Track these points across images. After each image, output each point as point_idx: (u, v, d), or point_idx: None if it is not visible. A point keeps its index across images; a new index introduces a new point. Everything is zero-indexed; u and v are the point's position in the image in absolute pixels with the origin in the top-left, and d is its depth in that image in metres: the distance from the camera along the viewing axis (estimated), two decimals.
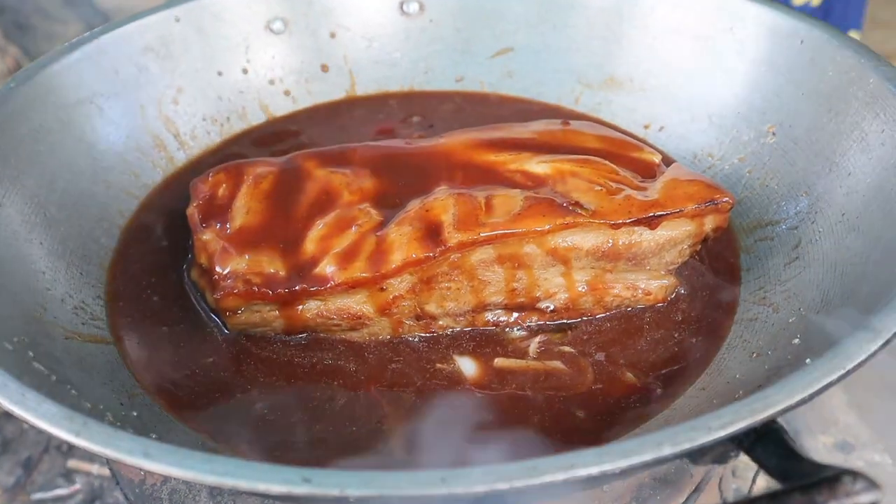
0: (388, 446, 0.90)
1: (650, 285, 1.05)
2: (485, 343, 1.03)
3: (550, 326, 1.04)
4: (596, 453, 0.66)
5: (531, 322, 1.04)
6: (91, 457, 1.53)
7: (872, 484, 0.56)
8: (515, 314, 1.04)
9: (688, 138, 1.27)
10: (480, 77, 1.42)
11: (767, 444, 0.69)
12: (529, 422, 0.93)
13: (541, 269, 1.01)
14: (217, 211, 1.06)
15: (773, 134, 1.18)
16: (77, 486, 1.52)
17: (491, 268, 1.00)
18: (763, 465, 0.68)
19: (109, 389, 0.94)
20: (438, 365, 1.00)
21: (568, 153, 1.07)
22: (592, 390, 0.96)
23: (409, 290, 1.00)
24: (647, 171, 1.06)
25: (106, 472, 1.47)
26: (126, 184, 1.22)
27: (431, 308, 1.01)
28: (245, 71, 1.37)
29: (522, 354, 1.01)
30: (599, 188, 1.01)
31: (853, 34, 1.99)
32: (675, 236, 1.01)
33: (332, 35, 1.41)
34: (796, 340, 0.91)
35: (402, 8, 1.42)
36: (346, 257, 0.98)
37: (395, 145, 1.13)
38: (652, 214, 0.99)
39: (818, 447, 1.61)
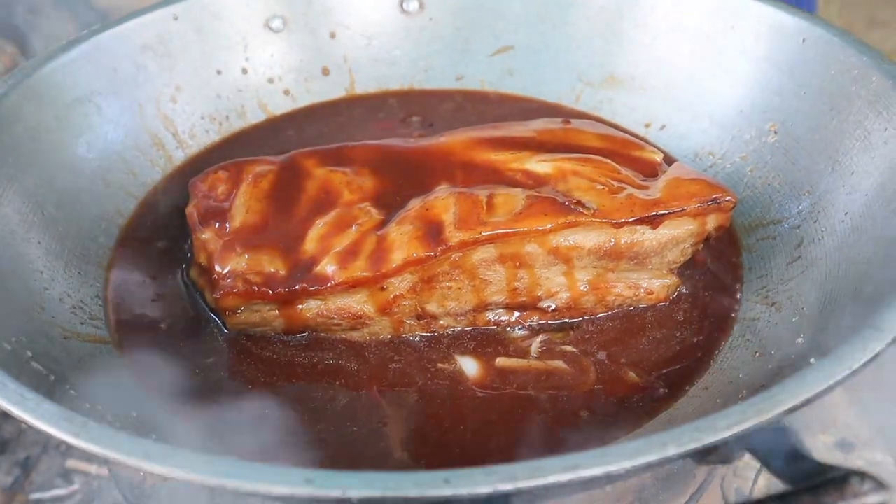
0: (389, 446, 0.90)
1: (652, 284, 1.04)
2: (486, 343, 1.02)
3: (552, 326, 1.04)
4: (601, 454, 0.66)
5: (533, 321, 1.04)
6: (89, 457, 1.52)
7: (881, 484, 0.56)
8: (517, 313, 1.04)
9: (689, 137, 1.26)
10: (480, 75, 1.41)
11: (772, 444, 0.69)
12: (531, 422, 0.93)
13: (542, 268, 1.00)
14: (216, 210, 1.05)
15: (775, 132, 1.17)
16: (75, 487, 1.51)
17: (492, 267, 1.00)
18: (768, 466, 0.67)
19: (108, 389, 0.93)
20: (440, 365, 1.00)
21: (569, 152, 1.07)
22: (594, 390, 0.96)
23: (410, 289, 0.99)
24: (649, 170, 1.06)
25: (105, 472, 1.47)
26: (125, 183, 1.21)
27: (432, 307, 1.01)
28: (244, 69, 1.36)
29: (524, 354, 1.01)
30: (601, 187, 1.01)
31: None
32: (677, 235, 1.01)
33: (332, 33, 1.41)
34: (800, 340, 0.91)
35: (401, 6, 1.42)
36: (347, 256, 0.98)
37: (395, 144, 1.12)
38: (654, 213, 0.99)
39: (818, 446, 1.60)
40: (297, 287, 0.97)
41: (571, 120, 1.15)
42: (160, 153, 1.27)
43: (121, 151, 1.23)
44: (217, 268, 0.99)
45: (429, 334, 1.03)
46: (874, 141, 1.03)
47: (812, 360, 0.76)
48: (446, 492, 0.64)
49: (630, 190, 1.01)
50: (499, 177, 1.04)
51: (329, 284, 0.97)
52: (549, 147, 1.08)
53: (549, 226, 0.97)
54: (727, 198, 1.00)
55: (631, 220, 0.98)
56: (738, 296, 1.05)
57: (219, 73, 1.34)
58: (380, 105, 1.39)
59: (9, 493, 1.41)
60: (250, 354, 1.01)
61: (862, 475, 0.56)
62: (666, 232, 1.00)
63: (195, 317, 1.05)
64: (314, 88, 1.40)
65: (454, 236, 0.97)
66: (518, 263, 1.00)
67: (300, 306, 0.99)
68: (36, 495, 1.46)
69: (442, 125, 1.31)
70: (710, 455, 0.71)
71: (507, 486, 0.64)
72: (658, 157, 1.08)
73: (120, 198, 1.20)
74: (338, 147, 1.12)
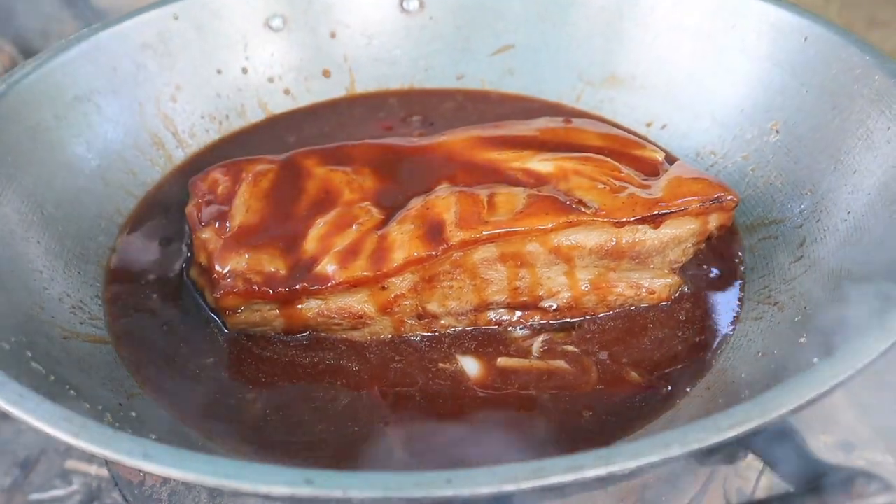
0: (391, 446, 0.90)
1: (654, 284, 1.04)
2: (487, 342, 1.02)
3: (553, 325, 1.03)
4: (604, 454, 0.65)
5: (534, 321, 1.03)
6: (89, 457, 1.52)
7: (887, 485, 0.55)
8: (518, 313, 1.03)
9: (690, 136, 1.26)
10: (481, 75, 1.41)
11: (777, 444, 0.68)
12: (533, 422, 0.93)
13: (544, 267, 1.00)
14: (216, 209, 1.05)
15: (777, 132, 1.17)
16: (75, 487, 1.51)
17: (493, 266, 0.99)
18: (772, 466, 0.67)
19: (108, 390, 0.93)
20: (441, 364, 0.99)
21: (570, 151, 1.06)
22: (596, 390, 0.96)
23: (411, 288, 0.99)
24: (651, 169, 1.06)
25: (104, 472, 1.46)
26: (124, 182, 1.21)
27: (433, 307, 1.00)
28: (244, 68, 1.36)
29: (525, 354, 1.00)
30: (603, 186, 1.01)
31: None
32: (679, 234, 1.01)
33: (332, 32, 1.40)
34: (803, 339, 0.91)
35: (402, 5, 1.41)
36: (347, 256, 0.97)
37: (396, 143, 1.12)
38: (656, 212, 0.98)
39: (819, 446, 1.60)
40: (297, 286, 0.97)
41: (572, 119, 1.15)
42: (160, 152, 1.27)
43: (120, 150, 1.23)
44: (217, 267, 0.99)
45: (430, 334, 1.02)
46: (876, 140, 1.03)
47: (815, 360, 0.75)
48: (448, 492, 0.64)
49: (632, 189, 1.01)
50: (500, 176, 1.04)
51: (330, 284, 0.96)
52: (551, 146, 1.08)
53: (550, 225, 0.97)
54: (729, 197, 1.00)
55: (633, 219, 0.98)
56: (741, 295, 1.05)
57: (219, 72, 1.34)
58: (380, 104, 1.39)
59: (8, 494, 1.40)
60: (251, 354, 1.01)
61: (868, 475, 0.55)
62: (668, 231, 1.00)
63: (195, 317, 1.05)
64: (314, 88, 1.39)
65: (455, 235, 0.96)
66: (519, 263, 0.99)
67: (300, 306, 0.99)
68: (35, 496, 1.46)
69: (442, 124, 1.31)
70: (713, 455, 0.70)
71: (509, 487, 0.64)
72: (660, 157, 1.08)
73: (119, 197, 1.19)
74: (338, 146, 1.11)
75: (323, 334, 1.02)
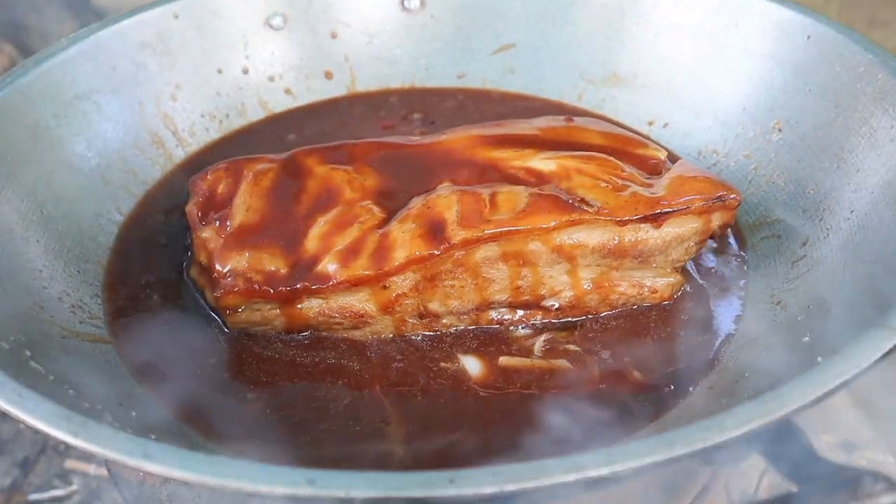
0: (392, 446, 0.89)
1: (656, 283, 1.03)
2: (489, 342, 1.01)
3: (555, 325, 1.03)
4: (607, 454, 0.65)
5: (536, 320, 1.03)
6: (88, 457, 1.52)
7: (893, 485, 0.55)
8: (520, 312, 1.03)
9: (692, 135, 1.26)
10: (482, 74, 1.41)
11: (782, 444, 0.68)
12: (535, 421, 0.92)
13: (546, 266, 1.00)
14: (217, 208, 1.04)
15: (780, 130, 1.17)
16: (74, 487, 1.50)
17: (495, 265, 0.99)
18: (777, 466, 0.67)
19: (108, 389, 0.92)
20: (442, 364, 0.99)
21: (572, 150, 1.06)
22: (599, 389, 0.95)
23: (413, 288, 0.98)
24: (653, 168, 1.06)
25: (103, 472, 1.46)
26: (124, 181, 1.21)
27: (435, 306, 1.00)
28: (244, 67, 1.35)
29: (527, 353, 1.00)
30: (605, 185, 1.00)
31: None
32: (681, 233, 1.00)
33: (333, 31, 1.40)
34: (806, 338, 0.90)
35: (402, 4, 1.41)
36: (349, 255, 0.97)
37: (396, 142, 1.12)
38: (658, 211, 0.98)
39: (821, 446, 1.59)
40: (298, 286, 0.96)
41: (574, 118, 1.14)
42: (160, 151, 1.26)
43: (120, 150, 1.22)
44: (217, 266, 0.98)
45: (431, 333, 1.02)
46: (880, 138, 1.03)
47: (819, 359, 0.75)
48: (451, 492, 0.64)
49: (634, 188, 1.00)
50: (501, 175, 1.03)
51: (331, 283, 0.96)
52: (552, 145, 1.07)
53: (552, 224, 0.97)
54: (732, 195, 1.00)
55: (635, 218, 0.98)
56: (743, 294, 1.05)
57: (219, 71, 1.34)
58: (381, 103, 1.39)
59: (7, 494, 1.40)
60: (251, 354, 1.00)
61: (874, 475, 0.55)
62: (670, 230, 1.00)
63: (195, 316, 1.04)
64: (315, 86, 1.39)
65: (457, 234, 0.96)
66: (521, 262, 0.99)
67: (301, 305, 0.98)
68: (34, 496, 1.45)
69: (443, 123, 1.30)
70: (717, 455, 0.70)
71: (512, 487, 0.63)
72: (662, 155, 1.07)
73: (119, 196, 1.19)
74: (339, 145, 1.11)
75: (324, 333, 1.02)
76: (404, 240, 0.97)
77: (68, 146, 1.16)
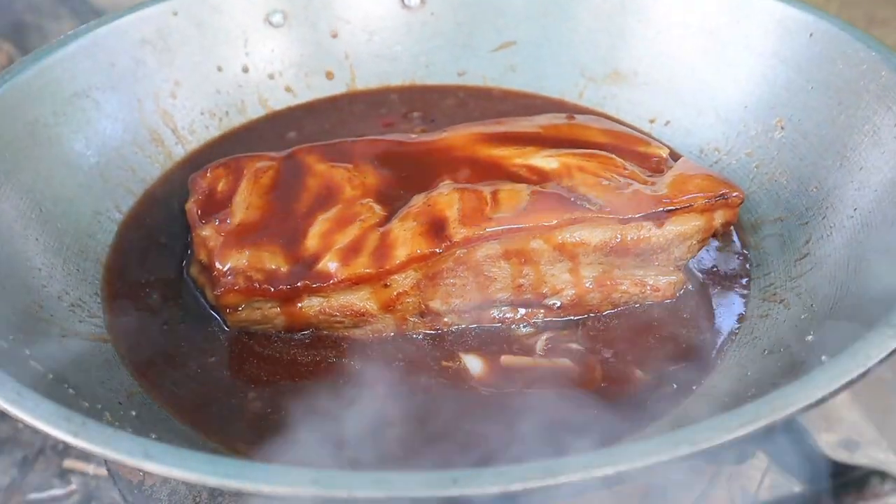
0: (394, 446, 0.89)
1: (658, 281, 1.03)
2: (491, 340, 1.01)
3: (557, 323, 1.03)
4: (612, 453, 0.65)
5: (538, 319, 1.03)
6: (87, 456, 1.51)
7: None
8: (522, 311, 1.02)
9: (694, 133, 1.25)
10: (482, 71, 1.40)
11: (787, 443, 0.67)
12: (537, 421, 0.92)
13: (548, 264, 0.99)
14: (216, 206, 1.04)
15: (782, 128, 1.16)
16: (73, 487, 1.50)
17: (497, 263, 0.98)
18: (783, 466, 0.66)
19: (107, 388, 0.92)
20: (444, 363, 0.98)
21: (574, 147, 1.06)
22: (601, 388, 0.95)
23: (414, 286, 0.98)
24: (655, 166, 1.05)
25: (102, 471, 1.46)
26: (123, 179, 1.20)
27: (436, 304, 0.99)
28: (244, 65, 1.35)
29: (529, 352, 1.00)
30: (607, 183, 1.00)
31: None
32: (683, 231, 1.00)
33: (332, 29, 1.40)
34: (810, 337, 0.90)
35: (403, 1, 1.41)
36: (349, 253, 0.97)
37: (397, 139, 1.11)
38: (661, 209, 0.98)
39: (823, 445, 1.59)
40: (298, 284, 0.96)
41: (575, 115, 1.14)
42: (159, 149, 1.26)
43: (119, 147, 1.22)
44: (217, 264, 0.98)
45: (433, 332, 1.02)
46: (883, 136, 1.02)
47: (823, 358, 0.74)
48: (454, 492, 0.63)
49: (636, 186, 1.00)
50: (503, 172, 1.03)
51: (331, 281, 0.95)
52: (554, 143, 1.07)
53: (554, 222, 0.96)
54: (734, 193, 0.99)
55: (637, 216, 0.97)
56: (746, 293, 1.05)
57: (219, 68, 1.33)
58: (381, 101, 1.38)
59: (6, 494, 1.39)
60: (252, 352, 1.00)
61: (882, 475, 0.55)
62: (672, 228, 0.99)
63: (195, 315, 1.04)
64: (315, 84, 1.38)
65: (458, 232, 0.95)
66: (523, 260, 0.98)
67: (302, 304, 0.98)
68: (33, 495, 1.45)
69: (444, 121, 1.30)
70: (722, 454, 0.69)
71: (516, 487, 0.63)
72: (664, 153, 1.07)
73: (118, 194, 1.18)
74: (339, 143, 1.11)
75: (324, 332, 1.01)
76: (405, 238, 0.96)
77: (67, 144, 1.16)
